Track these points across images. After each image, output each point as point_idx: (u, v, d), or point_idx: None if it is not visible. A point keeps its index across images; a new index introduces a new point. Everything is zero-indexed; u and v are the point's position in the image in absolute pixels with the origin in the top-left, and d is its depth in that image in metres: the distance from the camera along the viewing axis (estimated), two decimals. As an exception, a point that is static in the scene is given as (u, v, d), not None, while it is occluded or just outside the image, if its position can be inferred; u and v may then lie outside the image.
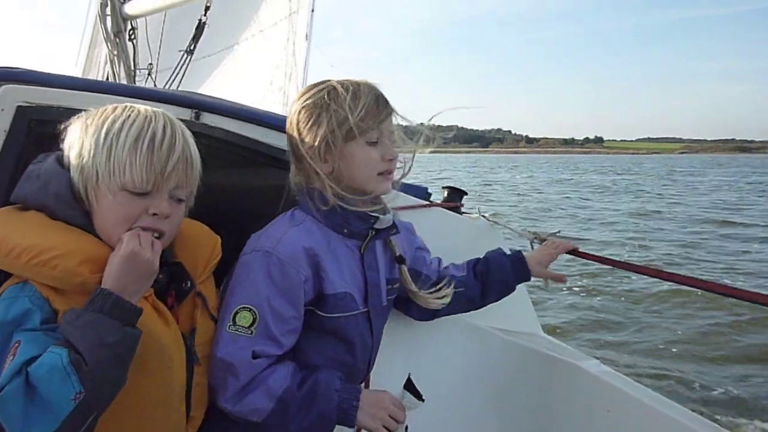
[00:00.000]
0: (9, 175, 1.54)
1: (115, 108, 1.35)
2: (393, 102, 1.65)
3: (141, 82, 3.87)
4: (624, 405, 1.94)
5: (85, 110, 1.55)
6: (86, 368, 1.12)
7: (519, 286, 2.49)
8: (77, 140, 1.33)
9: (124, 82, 3.75)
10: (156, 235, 1.33)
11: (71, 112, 1.62)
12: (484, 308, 2.39)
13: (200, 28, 2.95)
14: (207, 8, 2.88)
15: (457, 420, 2.23)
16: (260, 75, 4.87)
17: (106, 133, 1.29)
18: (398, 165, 1.70)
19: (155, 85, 3.84)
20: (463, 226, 2.46)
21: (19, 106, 1.59)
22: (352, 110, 1.55)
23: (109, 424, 1.24)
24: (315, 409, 1.49)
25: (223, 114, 1.90)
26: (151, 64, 3.96)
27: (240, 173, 2.01)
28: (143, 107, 1.37)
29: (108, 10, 3.64)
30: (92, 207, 1.32)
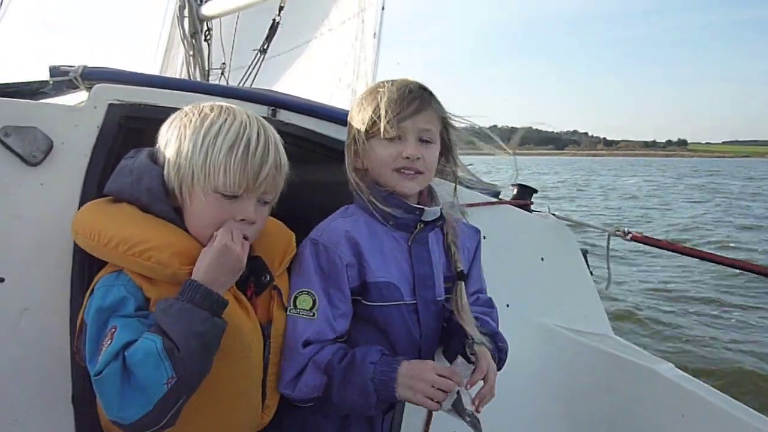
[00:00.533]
0: (101, 168, 1.63)
1: (212, 109, 1.40)
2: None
3: (214, 81, 4.00)
4: (700, 410, 1.88)
5: (170, 107, 1.64)
6: (178, 355, 1.19)
7: (588, 285, 2.45)
8: (174, 139, 1.39)
9: (198, 80, 3.88)
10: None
11: (157, 110, 1.71)
12: (553, 306, 2.37)
13: (274, 27, 3.03)
14: (281, 8, 2.95)
15: (523, 420, 2.21)
16: (329, 73, 4.94)
17: (204, 136, 1.35)
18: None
19: (227, 84, 3.95)
20: (533, 224, 2.43)
21: (110, 104, 1.67)
22: (373, 108, 1.60)
23: (192, 410, 1.29)
24: (353, 381, 1.48)
25: (298, 111, 1.94)
26: (224, 63, 4.09)
27: (314, 169, 2.05)
28: (239, 110, 1.42)
29: (186, 12, 3.77)
30: (184, 204, 1.39)
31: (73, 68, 1.73)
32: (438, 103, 1.69)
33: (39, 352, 1.51)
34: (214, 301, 1.27)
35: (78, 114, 1.65)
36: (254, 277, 1.50)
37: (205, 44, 3.87)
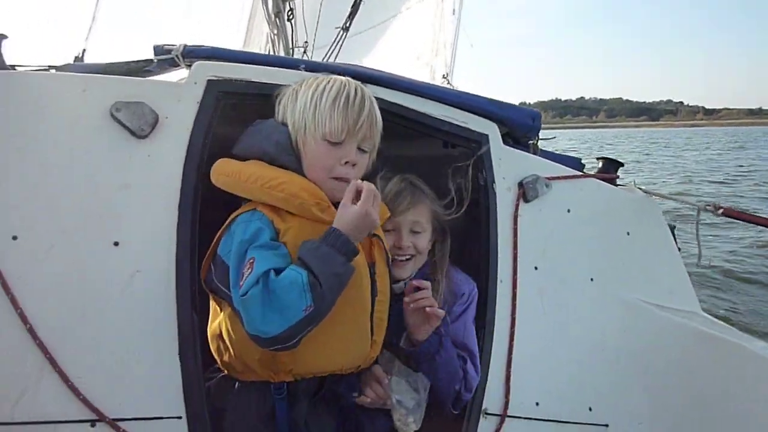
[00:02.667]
0: (201, 140, 1.73)
1: (317, 77, 1.66)
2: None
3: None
4: None
5: (263, 83, 1.74)
6: (319, 290, 1.40)
7: (676, 261, 2.40)
8: (290, 102, 1.64)
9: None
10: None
11: (252, 85, 1.80)
12: (639, 281, 2.33)
13: (356, 5, 3.07)
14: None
15: (605, 393, 2.20)
16: (408, 50, 4.96)
17: (313, 93, 1.60)
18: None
19: (311, 61, 4.04)
20: (618, 197, 2.40)
21: (209, 80, 1.77)
22: None
23: (317, 340, 1.50)
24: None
25: (385, 85, 1.98)
26: (306, 42, 4.17)
27: (399, 143, 2.09)
28: (340, 77, 1.66)
29: (270, -7, 3.86)
30: (301, 154, 1.61)
31: (174, 47, 1.83)
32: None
33: (148, 309, 1.63)
34: (350, 250, 1.49)
35: (180, 90, 1.76)
36: None
37: (288, 24, 3.94)
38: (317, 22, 4.17)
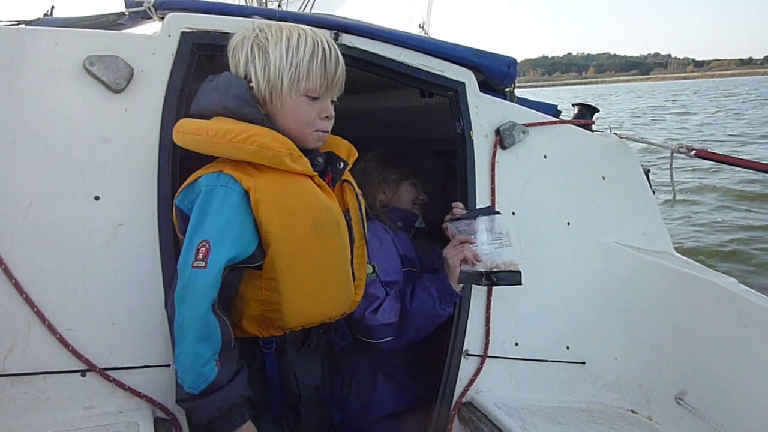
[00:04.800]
0: (177, 92, 1.73)
1: (281, 28, 1.60)
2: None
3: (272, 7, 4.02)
4: (764, 320, 1.91)
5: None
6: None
7: (651, 204, 2.46)
8: (257, 57, 1.57)
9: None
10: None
11: (225, 37, 1.79)
12: (614, 225, 2.40)
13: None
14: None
15: (581, 331, 2.28)
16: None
17: (287, 50, 1.56)
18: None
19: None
20: (594, 142, 2.43)
21: (182, 32, 1.75)
22: None
23: (304, 294, 1.56)
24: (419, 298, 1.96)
25: (361, 34, 1.98)
26: (281, -10, 4.11)
27: (376, 95, 2.10)
28: (302, 27, 1.62)
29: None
30: (275, 109, 1.59)
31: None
32: None
33: (133, 261, 1.66)
34: None
35: (154, 42, 1.74)
36: (331, 167, 1.72)
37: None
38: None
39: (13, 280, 1.53)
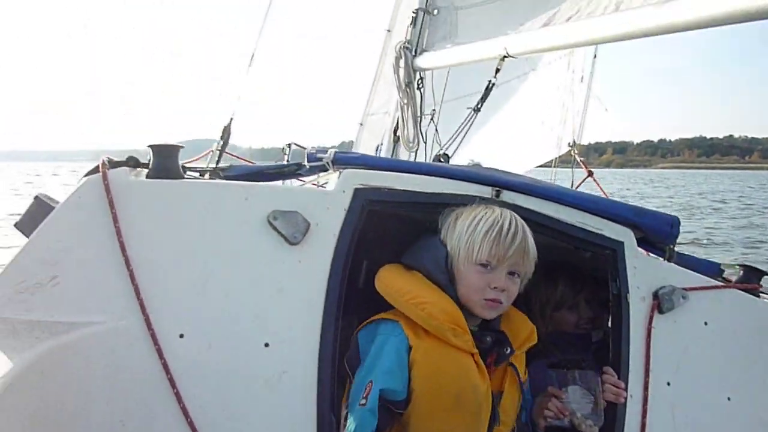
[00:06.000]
0: (346, 246, 1.85)
1: (478, 206, 1.85)
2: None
3: (425, 125, 4.21)
4: None
5: (405, 190, 1.90)
6: None
7: None
8: (450, 226, 1.84)
9: (411, 123, 4.13)
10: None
11: (395, 193, 1.90)
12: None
13: (488, 89, 3.14)
14: (497, 70, 3.05)
15: None
16: (533, 114, 4.96)
17: (470, 223, 1.79)
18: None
19: (437, 129, 4.15)
20: (761, 310, 2.27)
21: (356, 189, 1.89)
22: None
23: None
24: None
25: (520, 191, 2.03)
26: (434, 110, 4.29)
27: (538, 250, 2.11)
28: (498, 208, 1.84)
29: (401, 63, 4.02)
30: (458, 275, 1.79)
31: (326, 155, 1.98)
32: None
33: (292, 409, 1.75)
34: None
35: (330, 198, 1.89)
36: (497, 348, 1.80)
37: (417, 92, 4.09)
38: (444, 91, 4.29)
39: (189, 419, 1.67)
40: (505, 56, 2.99)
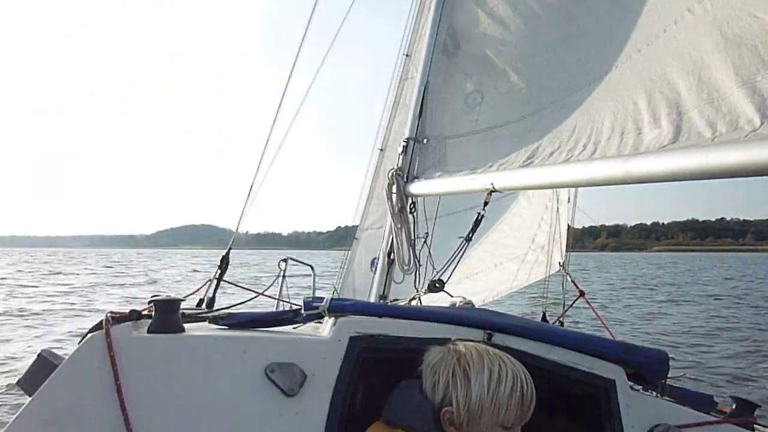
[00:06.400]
0: (342, 397, 1.88)
1: (481, 355, 1.77)
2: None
3: (418, 248, 4.33)
4: None
5: (399, 336, 1.94)
6: None
7: None
8: (459, 382, 1.72)
9: (405, 247, 4.23)
10: None
11: (389, 339, 1.96)
12: None
13: (478, 220, 3.29)
14: (486, 203, 3.20)
15: None
16: (523, 231, 5.10)
17: (489, 381, 1.71)
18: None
19: (430, 253, 4.26)
20: (756, 450, 2.29)
21: (351, 337, 1.95)
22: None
23: None
24: None
25: (513, 334, 2.09)
26: (427, 233, 4.43)
27: None
28: (502, 357, 1.78)
29: (394, 189, 4.19)
30: (463, 428, 1.71)
31: (321, 303, 2.05)
32: None
33: None
34: None
35: (325, 347, 1.94)
36: None
37: (410, 217, 4.23)
38: (436, 215, 4.44)
39: None
40: (492, 191, 3.13)
